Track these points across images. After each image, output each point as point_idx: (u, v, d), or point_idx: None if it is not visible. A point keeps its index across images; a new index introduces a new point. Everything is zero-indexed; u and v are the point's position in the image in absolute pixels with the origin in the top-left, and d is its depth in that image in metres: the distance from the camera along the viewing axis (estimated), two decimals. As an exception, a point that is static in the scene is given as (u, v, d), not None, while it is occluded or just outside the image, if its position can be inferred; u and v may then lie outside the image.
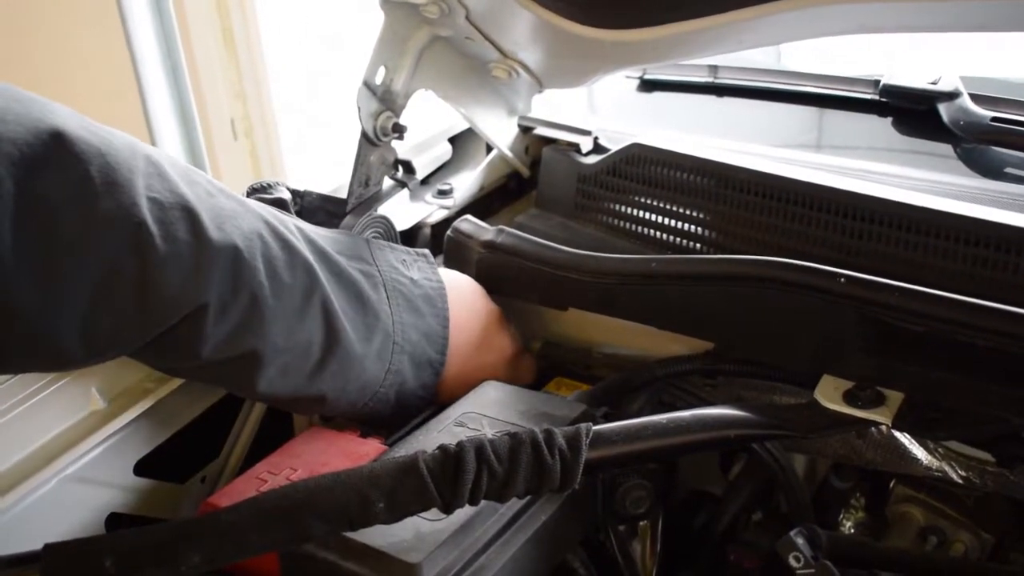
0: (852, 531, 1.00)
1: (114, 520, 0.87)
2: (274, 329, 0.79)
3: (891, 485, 1.00)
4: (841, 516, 1.01)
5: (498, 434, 0.70)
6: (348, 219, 1.02)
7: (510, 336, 1.05)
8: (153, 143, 2.66)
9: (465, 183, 1.20)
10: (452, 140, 1.25)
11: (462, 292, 1.01)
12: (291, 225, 0.84)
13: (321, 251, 0.86)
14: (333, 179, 1.09)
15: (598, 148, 1.19)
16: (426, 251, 1.01)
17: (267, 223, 0.81)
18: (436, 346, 0.95)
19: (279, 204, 0.95)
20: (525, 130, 1.26)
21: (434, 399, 0.96)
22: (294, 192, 1.03)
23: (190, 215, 0.73)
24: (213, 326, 0.75)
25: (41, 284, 0.65)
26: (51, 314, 0.67)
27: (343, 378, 0.86)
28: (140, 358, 0.79)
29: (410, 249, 1.00)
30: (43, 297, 0.66)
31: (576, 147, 1.19)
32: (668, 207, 1.08)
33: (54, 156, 0.66)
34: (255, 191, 0.98)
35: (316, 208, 1.05)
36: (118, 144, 0.70)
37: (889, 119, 1.22)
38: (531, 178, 1.28)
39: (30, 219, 0.64)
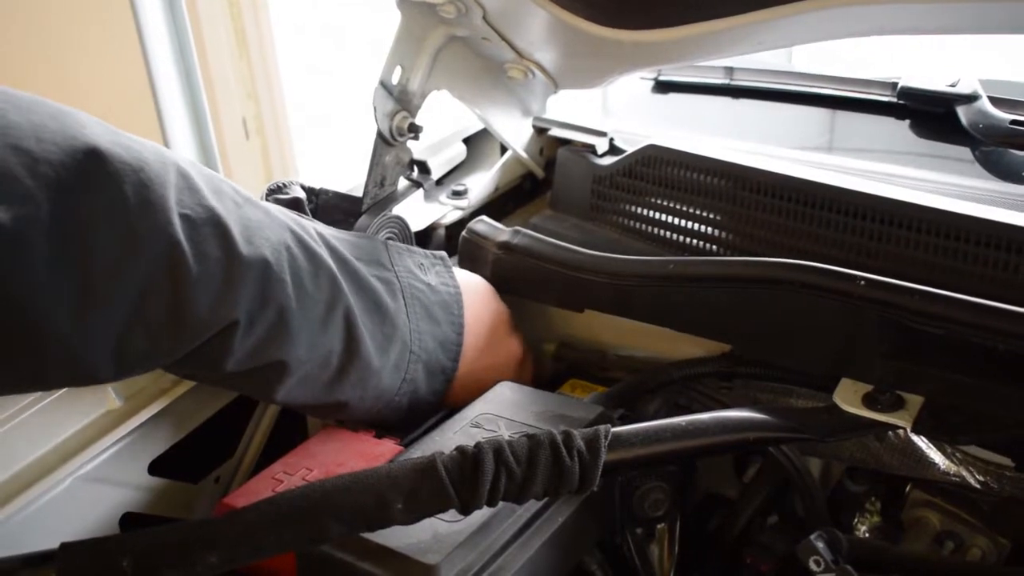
0: (866, 535, 1.00)
1: (128, 520, 0.87)
2: (298, 341, 0.79)
3: (907, 489, 0.99)
4: (856, 520, 1.00)
5: (515, 435, 0.70)
6: (363, 219, 1.01)
7: (518, 338, 1.05)
8: (166, 143, 2.67)
9: (480, 184, 1.20)
10: (467, 141, 1.25)
11: (475, 294, 1.01)
12: (313, 232, 0.84)
13: (342, 258, 0.85)
14: (345, 175, 1.09)
15: (613, 149, 1.18)
16: (443, 254, 1.00)
17: (292, 232, 0.80)
18: (450, 353, 0.95)
19: (295, 204, 0.95)
20: (540, 131, 1.25)
21: (443, 403, 0.96)
22: (309, 190, 1.03)
23: (221, 230, 0.72)
24: (240, 341, 0.75)
25: (76, 307, 0.65)
26: (85, 336, 0.66)
27: (361, 387, 0.86)
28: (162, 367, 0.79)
29: (428, 252, 1.00)
30: (78, 319, 0.65)
31: (591, 148, 1.19)
32: (684, 208, 1.08)
33: (90, 176, 0.65)
34: (272, 192, 0.98)
35: (332, 207, 1.04)
36: (150, 158, 0.70)
37: (907, 121, 1.21)
38: (546, 179, 1.28)
39: (66, 241, 0.64)
